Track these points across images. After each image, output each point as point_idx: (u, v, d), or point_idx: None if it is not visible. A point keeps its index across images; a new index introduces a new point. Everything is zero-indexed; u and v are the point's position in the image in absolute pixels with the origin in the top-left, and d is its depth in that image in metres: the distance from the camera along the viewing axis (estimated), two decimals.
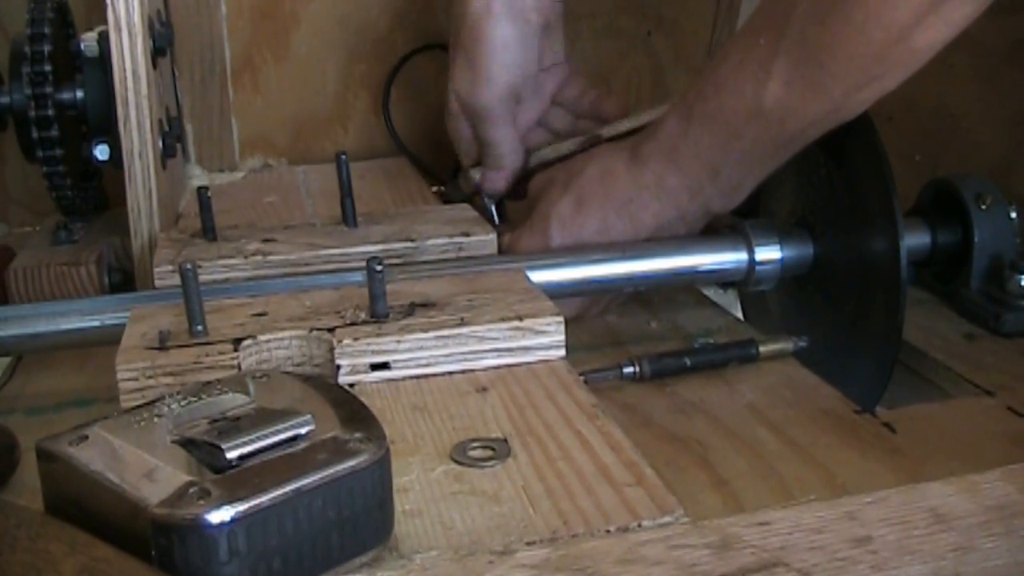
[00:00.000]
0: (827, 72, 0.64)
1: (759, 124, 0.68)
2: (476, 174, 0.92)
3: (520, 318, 0.62)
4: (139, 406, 0.47)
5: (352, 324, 0.62)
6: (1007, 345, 0.75)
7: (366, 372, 0.60)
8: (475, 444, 0.53)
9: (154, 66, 0.83)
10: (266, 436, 0.43)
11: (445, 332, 0.61)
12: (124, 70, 0.79)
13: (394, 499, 0.45)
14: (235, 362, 0.58)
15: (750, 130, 0.69)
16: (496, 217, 0.91)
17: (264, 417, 0.44)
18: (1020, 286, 0.77)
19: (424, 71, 1.15)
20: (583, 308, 0.78)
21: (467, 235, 0.78)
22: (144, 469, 0.42)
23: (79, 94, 0.86)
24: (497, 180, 0.90)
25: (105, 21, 0.78)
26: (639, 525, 0.46)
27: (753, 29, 0.69)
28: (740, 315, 0.90)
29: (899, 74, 0.64)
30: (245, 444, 0.42)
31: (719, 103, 0.70)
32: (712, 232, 0.77)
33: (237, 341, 0.60)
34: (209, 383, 0.49)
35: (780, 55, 0.66)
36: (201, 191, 0.79)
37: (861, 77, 0.64)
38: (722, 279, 0.79)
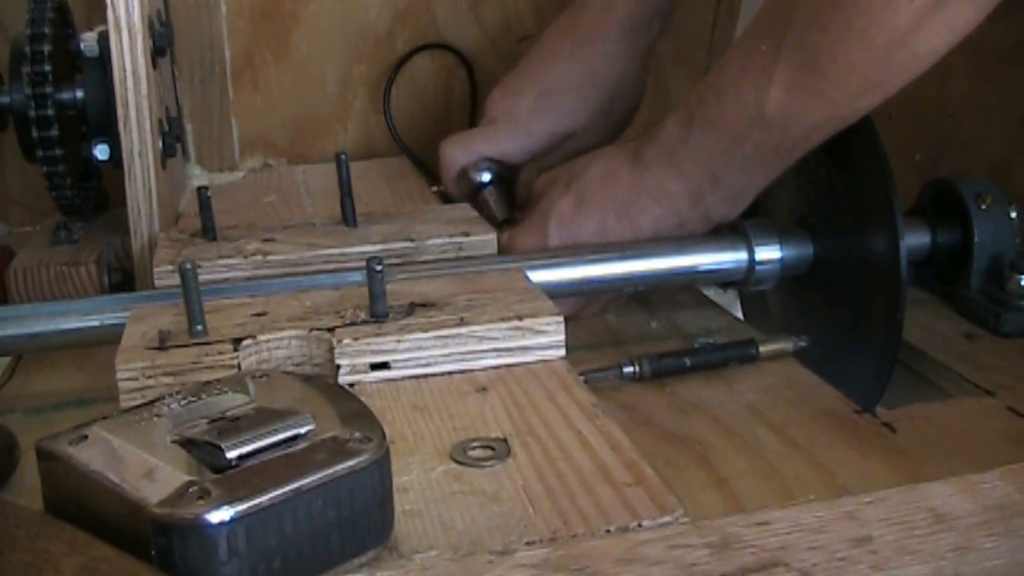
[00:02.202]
0: (828, 78, 0.64)
1: (761, 130, 0.68)
2: (483, 176, 0.92)
3: (520, 318, 0.62)
4: (139, 406, 0.47)
5: (352, 324, 0.62)
6: (1007, 345, 0.75)
7: (366, 372, 0.60)
8: (475, 444, 0.53)
9: (154, 66, 0.83)
10: (266, 436, 0.43)
11: (445, 332, 0.61)
12: (124, 70, 0.79)
13: (394, 499, 0.45)
14: (235, 362, 0.58)
15: (752, 136, 0.69)
16: (498, 212, 0.91)
17: (264, 417, 0.44)
18: (1020, 286, 0.77)
19: (424, 71, 1.15)
20: (579, 307, 0.78)
21: (467, 235, 0.78)
22: (144, 469, 0.42)
23: (79, 94, 0.86)
24: None
25: (105, 21, 0.78)
26: (639, 525, 0.46)
27: (754, 35, 0.69)
28: (740, 315, 0.90)
29: (901, 79, 0.64)
30: (245, 444, 0.42)
31: (720, 109, 0.70)
32: (712, 232, 0.77)
33: (237, 341, 0.60)
34: (209, 383, 0.49)
35: (781, 61, 0.66)
36: (201, 191, 0.79)
37: (863, 82, 0.64)
38: (722, 279, 0.79)
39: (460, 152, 0.92)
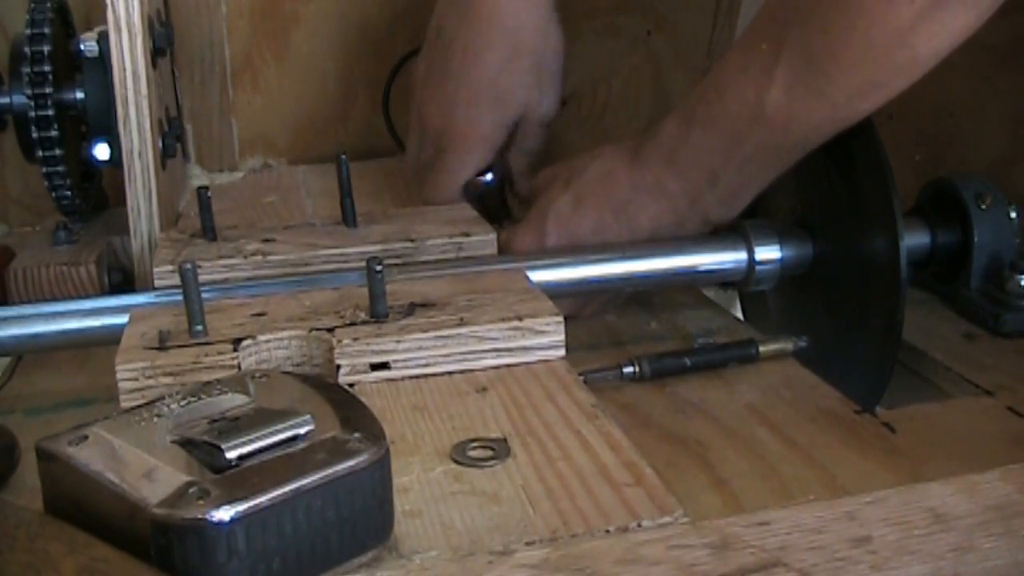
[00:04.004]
0: (829, 78, 0.64)
1: (761, 130, 0.68)
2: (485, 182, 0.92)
3: (520, 318, 0.62)
4: (139, 406, 0.47)
5: (352, 324, 0.62)
6: (1007, 345, 0.75)
7: (366, 372, 0.60)
8: (475, 444, 0.53)
9: (154, 66, 0.83)
10: (266, 436, 0.43)
11: (445, 332, 0.61)
12: (124, 70, 0.79)
13: (394, 499, 0.45)
14: (235, 362, 0.58)
15: (751, 136, 0.69)
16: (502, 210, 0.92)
17: (264, 417, 0.44)
18: (1020, 286, 0.76)
19: None
20: (577, 306, 0.78)
21: (467, 235, 0.77)
22: (144, 469, 0.42)
23: (79, 94, 0.86)
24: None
25: (105, 21, 0.78)
26: (639, 525, 0.46)
27: (755, 34, 0.69)
28: (740, 315, 0.90)
29: (901, 81, 0.64)
30: (245, 444, 0.42)
31: (721, 108, 0.70)
32: (711, 232, 0.77)
33: (237, 341, 0.60)
34: (209, 383, 0.49)
35: (782, 61, 0.66)
36: (201, 191, 0.79)
37: (863, 83, 0.64)
38: (722, 279, 0.79)
39: (448, 194, 0.88)
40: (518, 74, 0.86)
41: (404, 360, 0.60)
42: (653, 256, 0.75)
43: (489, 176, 0.90)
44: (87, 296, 0.81)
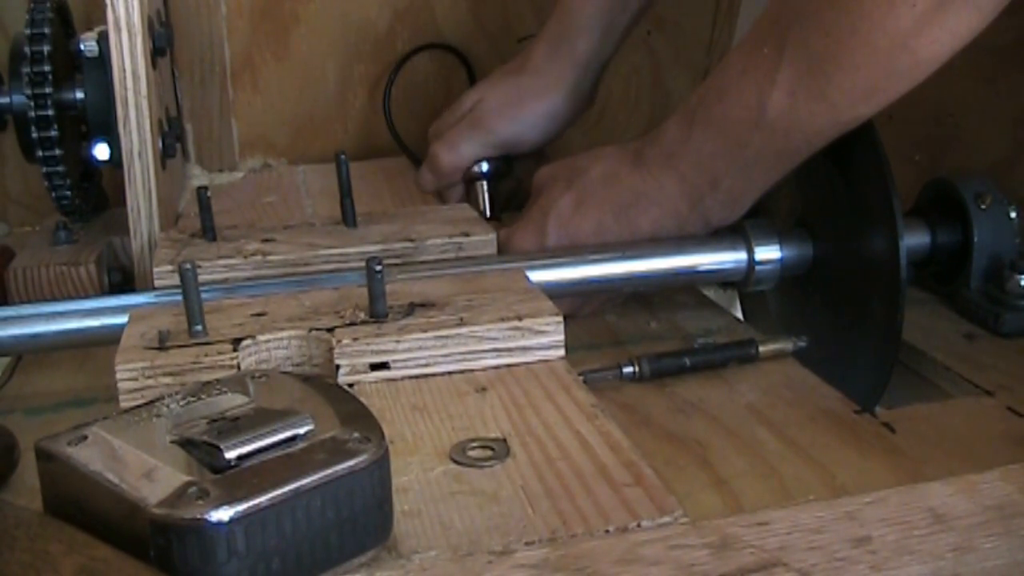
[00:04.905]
0: (832, 82, 0.64)
1: (762, 134, 0.68)
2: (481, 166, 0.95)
3: (519, 318, 0.62)
4: (138, 406, 0.47)
5: (351, 324, 0.62)
6: (1007, 345, 0.75)
7: (365, 372, 0.60)
8: (474, 444, 0.53)
9: (154, 66, 0.83)
10: (265, 436, 0.43)
11: (444, 332, 0.61)
12: (124, 70, 0.79)
13: (393, 499, 0.45)
14: (234, 362, 0.58)
15: (753, 140, 0.69)
16: (488, 207, 0.94)
17: (263, 417, 0.44)
18: (1020, 286, 0.77)
19: (424, 71, 1.15)
20: (576, 306, 0.78)
21: (466, 235, 0.77)
22: (143, 469, 0.42)
23: (79, 94, 0.86)
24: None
25: (105, 21, 0.78)
26: (638, 525, 0.46)
27: (757, 38, 0.69)
28: (740, 315, 0.90)
29: (903, 85, 0.64)
30: (244, 444, 0.42)
31: (722, 111, 0.70)
32: (711, 232, 0.77)
33: (236, 341, 0.60)
34: (208, 383, 0.49)
35: (784, 65, 0.65)
36: (201, 191, 0.79)
37: (866, 87, 0.64)
38: (722, 279, 0.79)
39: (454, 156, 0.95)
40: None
41: (404, 360, 0.60)
42: (653, 256, 0.75)
43: (484, 167, 0.95)
44: (87, 296, 0.81)
